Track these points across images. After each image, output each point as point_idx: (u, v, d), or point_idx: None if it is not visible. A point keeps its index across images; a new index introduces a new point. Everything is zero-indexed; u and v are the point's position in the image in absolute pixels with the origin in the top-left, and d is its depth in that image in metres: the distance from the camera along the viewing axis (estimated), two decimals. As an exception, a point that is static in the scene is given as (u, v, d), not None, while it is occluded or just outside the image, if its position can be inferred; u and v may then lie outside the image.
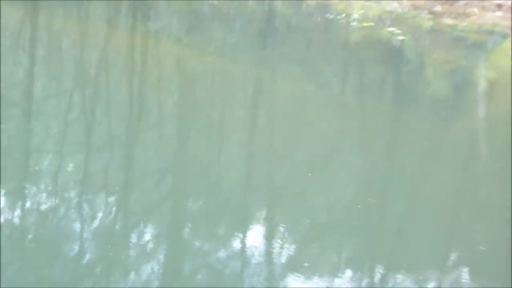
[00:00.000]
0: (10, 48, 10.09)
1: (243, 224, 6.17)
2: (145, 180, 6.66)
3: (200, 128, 8.04)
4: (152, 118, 8.07)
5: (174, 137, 7.64)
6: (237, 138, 7.96)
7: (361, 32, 11.49)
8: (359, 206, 6.58)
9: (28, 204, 6.06)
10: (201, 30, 11.61)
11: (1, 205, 5.97)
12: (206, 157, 7.27)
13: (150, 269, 5.41)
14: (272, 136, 8.05)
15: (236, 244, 5.86)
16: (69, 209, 6.00)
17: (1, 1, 11.22)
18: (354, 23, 11.79)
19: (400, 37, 11.02)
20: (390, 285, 5.56)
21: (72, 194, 6.19)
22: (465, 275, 5.73)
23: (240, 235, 5.98)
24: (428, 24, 11.85)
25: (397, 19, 11.86)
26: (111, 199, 6.29)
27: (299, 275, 5.47)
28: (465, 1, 12.12)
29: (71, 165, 6.75)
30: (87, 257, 5.57)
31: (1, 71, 8.65)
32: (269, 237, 6.02)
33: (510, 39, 11.19)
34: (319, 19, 12.15)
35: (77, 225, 5.85)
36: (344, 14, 12.05)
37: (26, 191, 6.23)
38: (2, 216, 5.90)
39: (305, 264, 5.68)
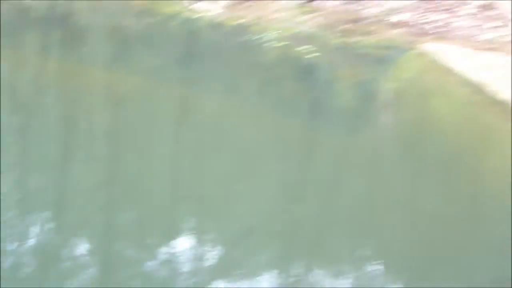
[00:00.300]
0: None
1: (168, 234, 6.32)
2: (76, 196, 6.78)
3: (128, 145, 8.08)
4: (81, 138, 8.16)
5: (103, 156, 7.65)
6: (164, 152, 7.97)
7: (276, 51, 11.65)
8: (278, 212, 6.78)
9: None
10: (127, 53, 11.57)
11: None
12: (134, 172, 7.37)
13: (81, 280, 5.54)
14: (196, 149, 8.16)
15: (161, 252, 6.04)
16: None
17: None
18: (270, 43, 11.93)
19: (312, 55, 11.26)
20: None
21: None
22: (369, 274, 6.00)
23: (166, 244, 6.11)
24: (336, 41, 12.12)
25: (309, 38, 12.03)
26: (40, 215, 6.33)
27: (222, 278, 5.74)
28: (370, 20, 12.63)
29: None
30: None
31: None
32: (192, 243, 6.20)
33: (409, 53, 11.74)
34: (238, 40, 12.22)
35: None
36: (261, 35, 12.18)
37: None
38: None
39: (228, 268, 5.88)
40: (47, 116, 8.60)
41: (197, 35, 12.88)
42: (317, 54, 11.46)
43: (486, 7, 12.61)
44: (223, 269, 5.88)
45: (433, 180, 7.78)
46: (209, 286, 5.65)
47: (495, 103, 9.39)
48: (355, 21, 12.82)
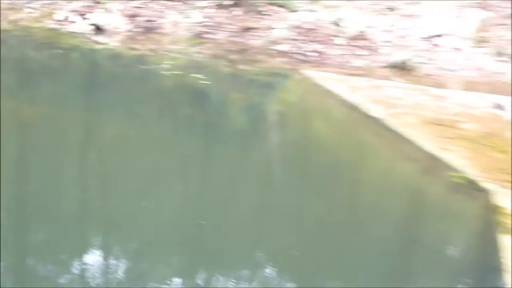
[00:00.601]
0: None
1: (75, 251, 6.43)
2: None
3: (36, 168, 8.05)
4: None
5: (10, 179, 7.54)
6: (70, 173, 8.01)
7: (172, 79, 11.89)
8: (181, 225, 6.98)
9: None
10: (32, 83, 11.54)
11: None
12: (42, 194, 7.40)
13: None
14: (101, 171, 8.28)
15: (69, 268, 6.16)
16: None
17: None
18: (166, 72, 12.23)
19: (206, 82, 11.57)
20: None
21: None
22: (266, 277, 6.28)
23: (74, 260, 6.27)
24: (226, 70, 12.56)
25: (200, 67, 12.38)
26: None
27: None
28: (255, 50, 13.21)
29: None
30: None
31: None
32: (99, 258, 6.37)
33: (292, 78, 12.20)
34: (136, 69, 12.47)
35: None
36: (157, 65, 12.51)
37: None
38: None
39: (134, 280, 6.11)
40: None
41: (98, 65, 12.97)
42: (210, 81, 11.75)
43: (357, 37, 13.42)
44: (129, 282, 6.10)
45: (317, 190, 8.07)
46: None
47: (368, 119, 9.92)
48: (242, 51, 13.37)
